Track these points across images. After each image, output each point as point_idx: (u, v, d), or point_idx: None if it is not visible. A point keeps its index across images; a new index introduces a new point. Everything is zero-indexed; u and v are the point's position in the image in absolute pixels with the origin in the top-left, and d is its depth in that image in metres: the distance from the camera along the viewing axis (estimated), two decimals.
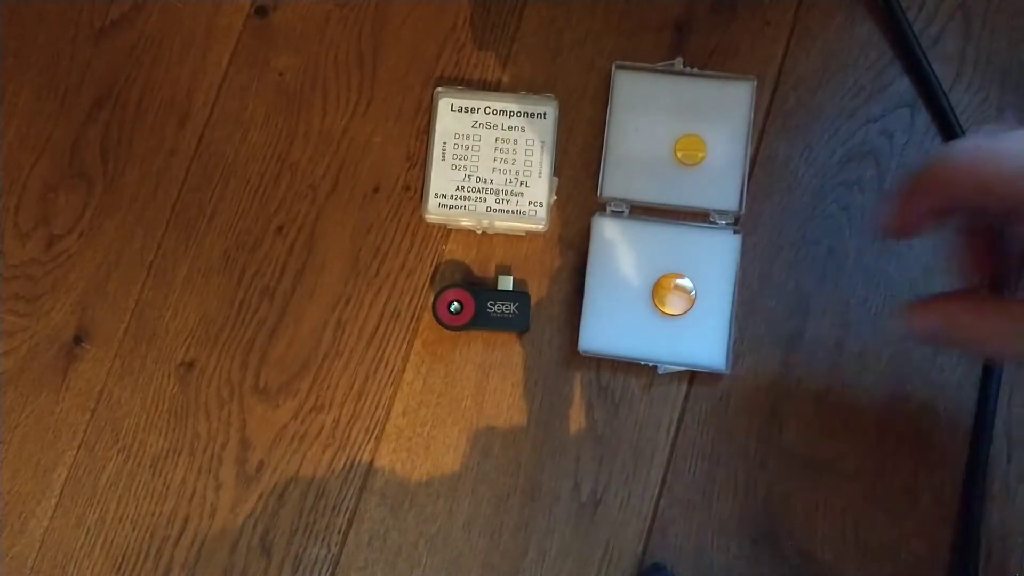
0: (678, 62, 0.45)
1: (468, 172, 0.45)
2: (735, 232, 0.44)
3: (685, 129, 0.45)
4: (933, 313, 0.30)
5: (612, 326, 0.43)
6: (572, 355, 0.44)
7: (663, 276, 0.43)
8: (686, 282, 0.43)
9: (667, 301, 0.43)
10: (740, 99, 0.45)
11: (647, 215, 0.45)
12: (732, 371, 0.43)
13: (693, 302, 0.43)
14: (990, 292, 0.31)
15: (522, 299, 0.43)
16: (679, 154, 0.44)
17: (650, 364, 0.43)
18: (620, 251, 0.44)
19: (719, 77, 0.45)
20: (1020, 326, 0.28)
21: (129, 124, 0.47)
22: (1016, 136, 0.26)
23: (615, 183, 0.45)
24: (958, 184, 0.27)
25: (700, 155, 0.44)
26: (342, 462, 0.44)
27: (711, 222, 0.44)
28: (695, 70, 0.45)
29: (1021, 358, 0.32)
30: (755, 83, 0.45)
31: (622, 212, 0.44)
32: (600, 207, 0.45)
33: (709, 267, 0.43)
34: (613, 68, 0.45)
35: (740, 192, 0.44)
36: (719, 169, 0.44)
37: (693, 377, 0.44)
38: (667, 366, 0.43)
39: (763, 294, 0.44)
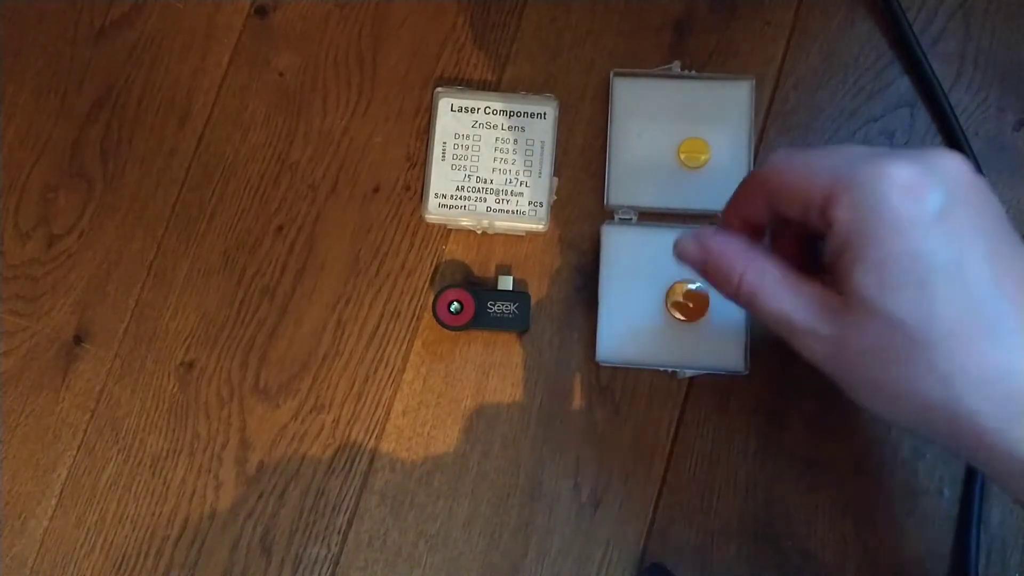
0: (675, 65, 0.45)
1: (468, 172, 0.45)
2: None
3: (687, 132, 0.45)
4: (701, 244, 0.35)
5: (628, 335, 0.43)
6: (572, 355, 0.44)
7: (675, 283, 0.43)
8: (698, 287, 0.43)
9: (681, 307, 0.43)
10: (740, 99, 0.45)
11: (656, 221, 0.44)
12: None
13: (708, 307, 0.43)
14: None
15: (522, 299, 0.43)
16: (683, 157, 0.44)
17: (669, 371, 0.43)
18: (631, 259, 0.44)
19: (717, 78, 0.45)
20: (763, 287, 0.32)
21: (129, 124, 0.47)
22: (816, 151, 0.32)
23: (621, 190, 0.45)
24: (771, 187, 0.33)
25: (704, 157, 0.44)
26: (342, 462, 0.44)
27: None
28: (693, 72, 0.45)
29: (758, 317, 0.33)
30: (754, 82, 0.45)
31: (630, 219, 0.44)
32: (608, 216, 0.45)
33: None
34: (611, 76, 0.45)
35: None
36: (724, 170, 0.44)
37: (693, 377, 0.44)
38: (686, 371, 0.43)
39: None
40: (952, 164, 0.30)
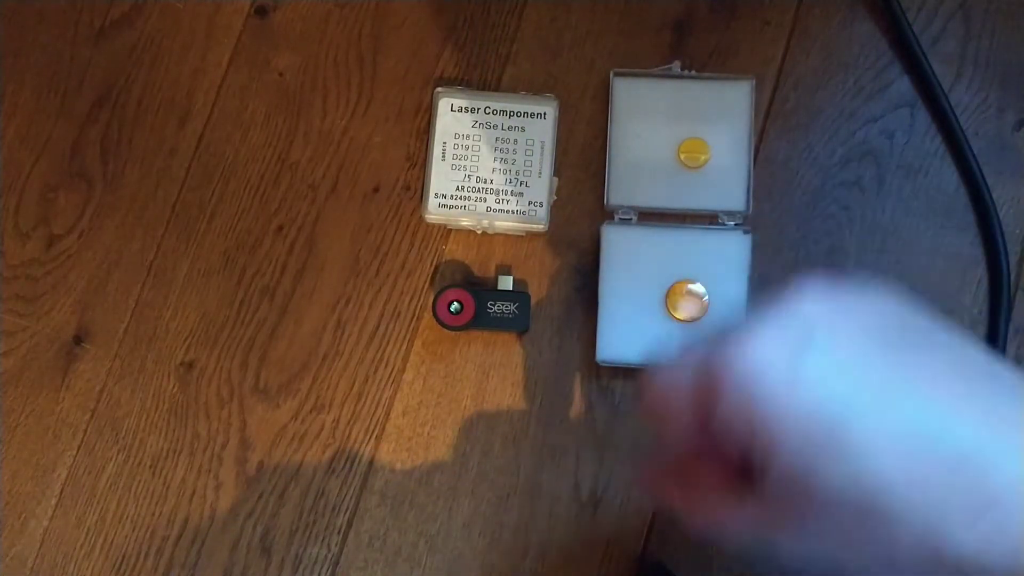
0: (675, 65, 0.45)
1: (468, 172, 0.45)
2: (744, 232, 0.44)
3: (687, 132, 0.45)
4: (660, 481, 0.31)
5: (628, 335, 0.43)
6: (572, 355, 0.44)
7: (675, 283, 0.43)
8: (698, 287, 0.43)
9: (680, 307, 0.43)
10: (739, 99, 0.45)
11: (656, 221, 0.44)
12: None
13: (706, 307, 0.43)
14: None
15: (522, 299, 0.43)
16: (683, 157, 0.44)
17: None
18: (631, 259, 0.44)
19: (717, 78, 0.45)
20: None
21: (129, 124, 0.47)
22: (681, 354, 0.29)
23: (621, 191, 0.45)
24: (661, 419, 0.29)
25: (704, 157, 0.44)
26: (342, 462, 0.44)
27: (720, 224, 0.44)
28: (693, 73, 0.45)
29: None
30: (753, 82, 0.45)
31: (630, 219, 0.44)
32: (608, 216, 0.45)
33: (721, 269, 0.43)
34: (611, 76, 0.45)
35: (747, 192, 0.44)
36: (724, 170, 0.44)
37: None
38: None
39: (763, 295, 0.44)
40: (810, 297, 0.28)
